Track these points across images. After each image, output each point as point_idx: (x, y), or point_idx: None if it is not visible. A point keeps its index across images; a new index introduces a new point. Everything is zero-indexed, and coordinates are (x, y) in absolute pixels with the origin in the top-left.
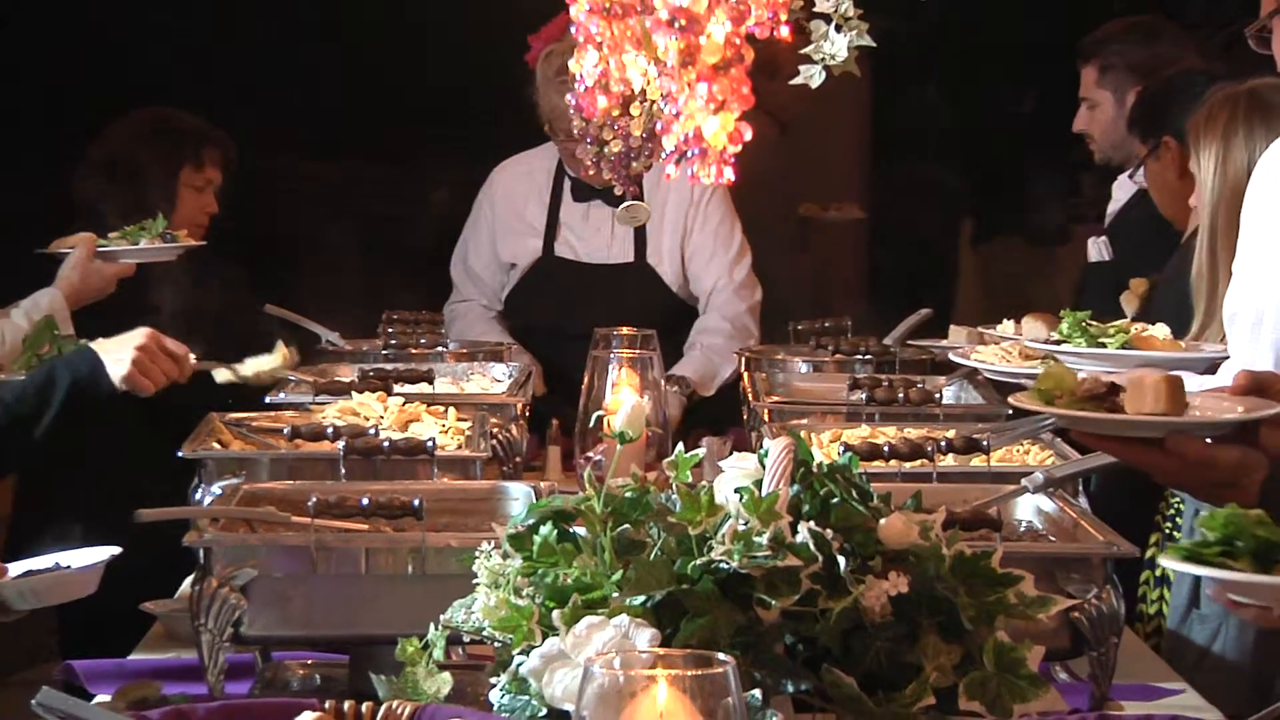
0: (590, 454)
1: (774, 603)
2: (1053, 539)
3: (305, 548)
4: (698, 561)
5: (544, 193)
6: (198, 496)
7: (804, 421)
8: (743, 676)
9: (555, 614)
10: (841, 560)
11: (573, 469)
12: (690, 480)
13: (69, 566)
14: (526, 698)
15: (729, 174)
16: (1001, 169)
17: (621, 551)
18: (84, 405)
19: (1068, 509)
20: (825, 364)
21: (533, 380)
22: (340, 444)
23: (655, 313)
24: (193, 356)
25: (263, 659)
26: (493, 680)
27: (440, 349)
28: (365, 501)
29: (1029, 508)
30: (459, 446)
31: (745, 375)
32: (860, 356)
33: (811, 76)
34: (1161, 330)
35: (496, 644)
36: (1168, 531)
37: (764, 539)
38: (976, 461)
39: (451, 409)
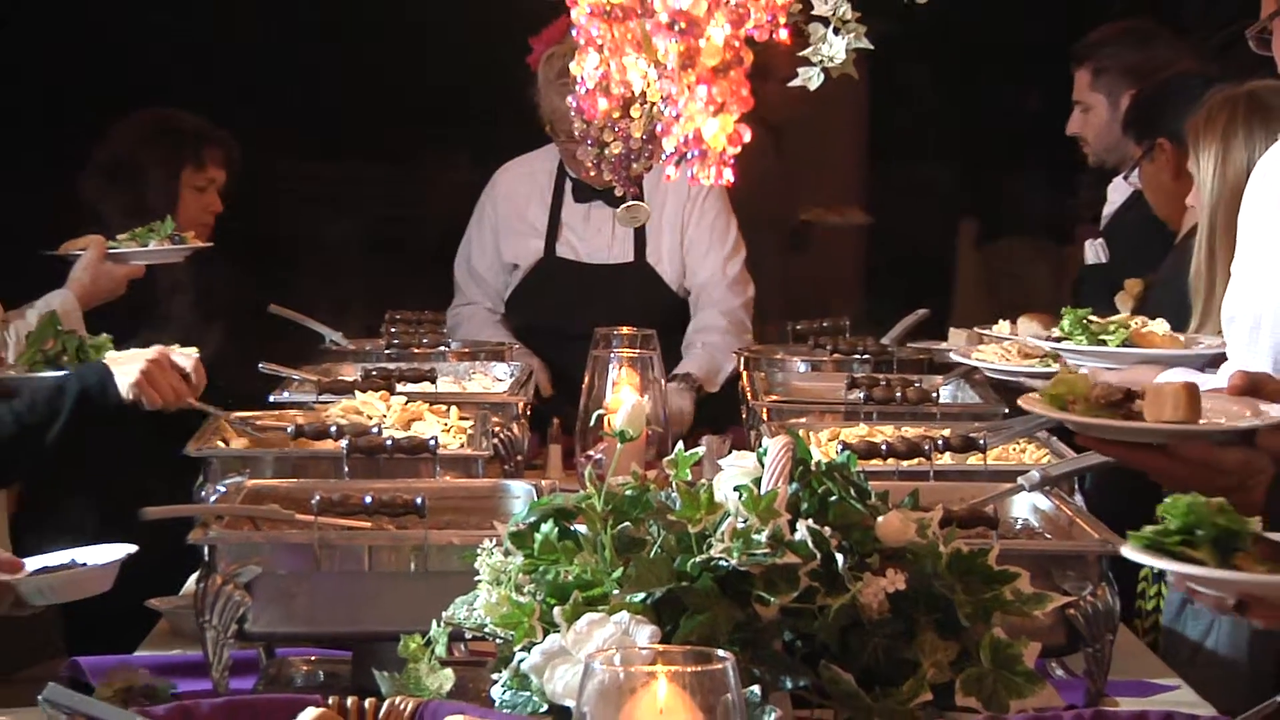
0: (591, 452)
1: (773, 600)
2: (1049, 536)
3: (309, 545)
4: (697, 559)
5: (545, 194)
6: (202, 494)
7: (802, 420)
8: (742, 673)
9: (556, 611)
10: (839, 558)
11: (574, 467)
12: (690, 478)
13: (85, 563)
14: (528, 694)
15: (728, 175)
16: (1000, 170)
17: (622, 549)
18: (92, 415)
19: (1064, 507)
20: (823, 363)
21: (539, 381)
22: (344, 443)
23: (655, 312)
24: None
25: (267, 655)
26: (494, 676)
27: (442, 348)
28: (368, 499)
29: (1025, 505)
30: (461, 445)
31: (744, 374)
32: (858, 356)
33: (810, 78)
34: (1161, 326)
35: (498, 640)
36: None
37: (763, 537)
38: (973, 460)
39: (454, 408)
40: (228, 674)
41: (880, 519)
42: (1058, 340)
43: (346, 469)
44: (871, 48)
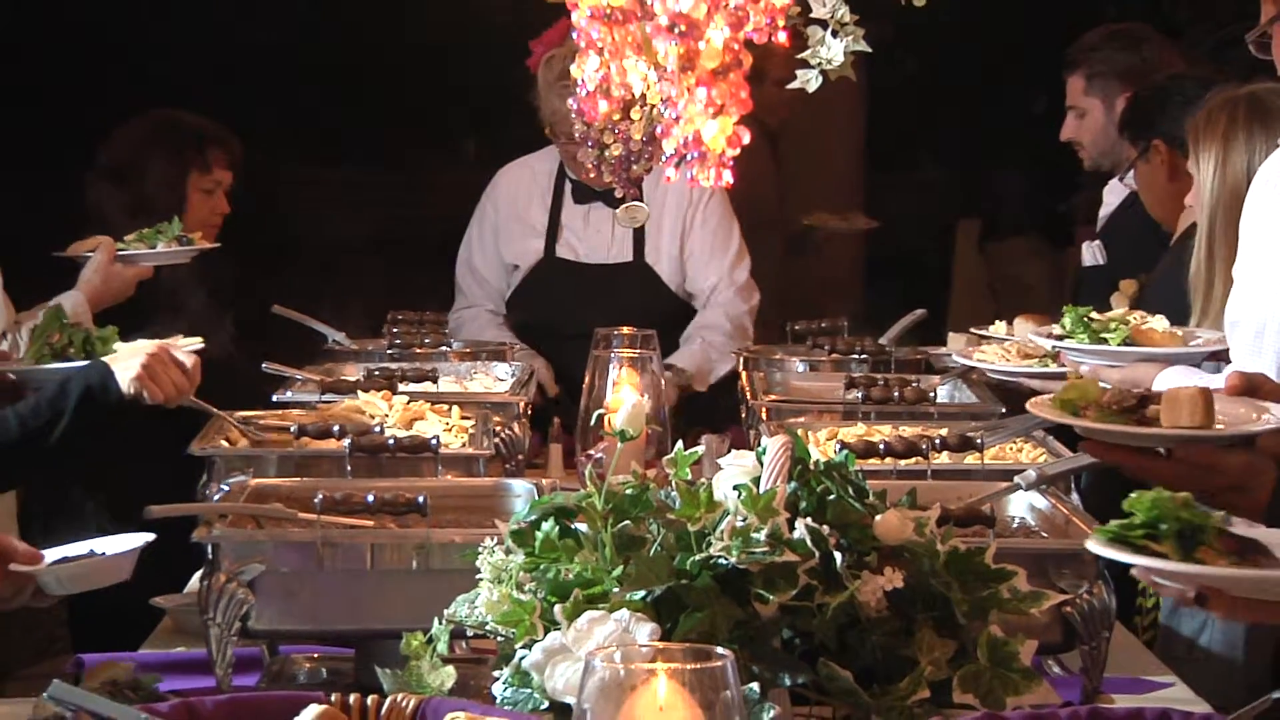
0: (591, 452)
1: (771, 597)
2: (1045, 535)
3: (312, 543)
4: (697, 557)
5: (546, 195)
6: (206, 493)
7: (801, 420)
8: (741, 670)
9: (557, 609)
10: (838, 556)
11: (574, 466)
12: (689, 477)
13: (104, 553)
14: (529, 691)
15: (728, 177)
16: (998, 171)
17: (622, 547)
18: (95, 413)
19: (1060, 505)
20: (822, 363)
21: (545, 382)
22: (346, 442)
23: (654, 312)
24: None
25: (270, 653)
26: (495, 674)
27: (444, 349)
28: (371, 498)
29: (1022, 504)
30: (463, 444)
31: (743, 374)
32: (856, 356)
33: (809, 81)
34: (1160, 322)
35: (499, 638)
36: None
37: (762, 535)
38: (970, 459)
39: (455, 407)
40: (231, 671)
41: (878, 518)
42: (1059, 339)
43: (349, 468)
44: (870, 50)
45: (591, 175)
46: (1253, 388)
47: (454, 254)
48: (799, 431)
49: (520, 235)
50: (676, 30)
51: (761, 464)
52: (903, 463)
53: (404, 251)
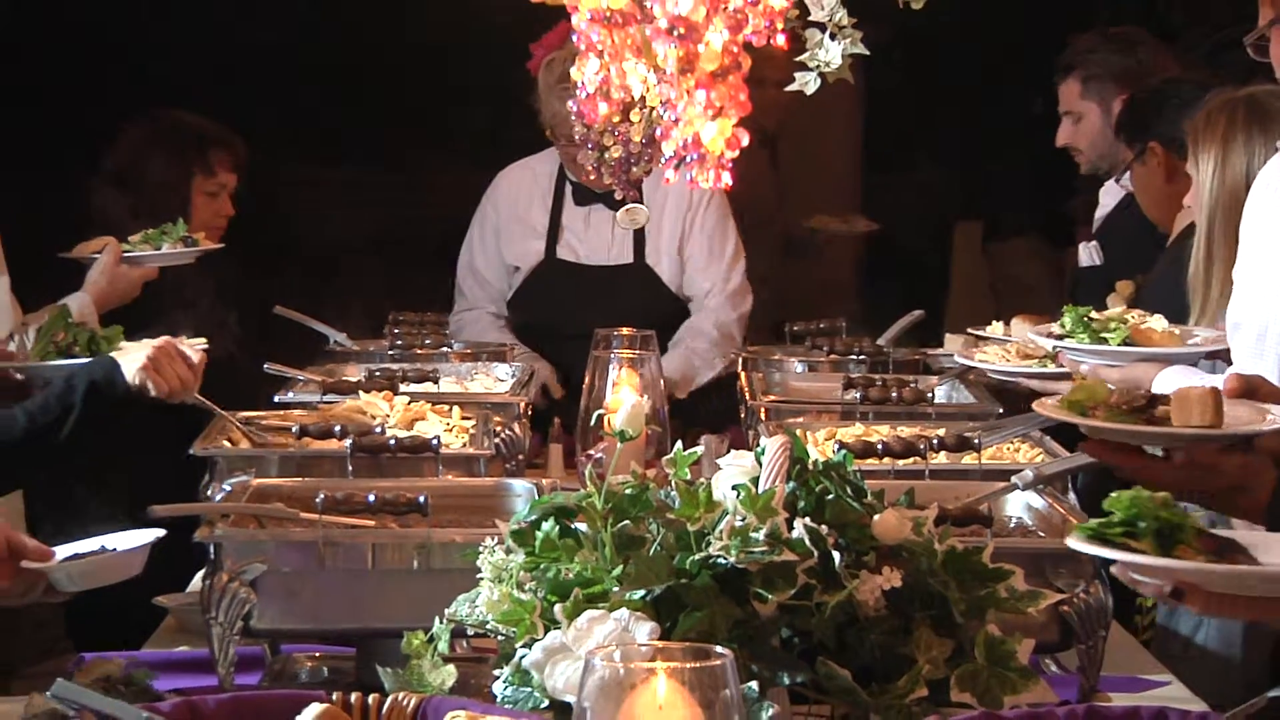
0: (591, 452)
1: (770, 597)
2: (1042, 535)
3: (313, 543)
4: (696, 556)
5: (546, 197)
6: (208, 493)
7: (800, 420)
8: (740, 669)
9: (557, 608)
10: (836, 555)
11: (574, 466)
12: (689, 477)
13: (114, 549)
14: (529, 689)
15: (726, 179)
16: (995, 172)
17: (622, 547)
18: (102, 406)
19: (1057, 505)
20: (820, 364)
21: (549, 384)
22: (347, 442)
23: (654, 314)
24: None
25: (272, 652)
26: (496, 672)
27: (445, 349)
28: (372, 498)
29: (1019, 504)
30: (463, 445)
31: (742, 375)
32: (854, 357)
33: (807, 83)
34: (1159, 322)
35: (500, 637)
36: None
37: (761, 535)
38: (968, 459)
39: (456, 408)
40: (233, 670)
41: (876, 517)
42: (1059, 338)
43: (350, 468)
44: (867, 53)
45: (591, 177)
46: (1251, 390)
47: (454, 254)
48: (797, 431)
49: (521, 237)
50: (676, 33)
51: (760, 464)
52: (901, 463)
53: (404, 252)
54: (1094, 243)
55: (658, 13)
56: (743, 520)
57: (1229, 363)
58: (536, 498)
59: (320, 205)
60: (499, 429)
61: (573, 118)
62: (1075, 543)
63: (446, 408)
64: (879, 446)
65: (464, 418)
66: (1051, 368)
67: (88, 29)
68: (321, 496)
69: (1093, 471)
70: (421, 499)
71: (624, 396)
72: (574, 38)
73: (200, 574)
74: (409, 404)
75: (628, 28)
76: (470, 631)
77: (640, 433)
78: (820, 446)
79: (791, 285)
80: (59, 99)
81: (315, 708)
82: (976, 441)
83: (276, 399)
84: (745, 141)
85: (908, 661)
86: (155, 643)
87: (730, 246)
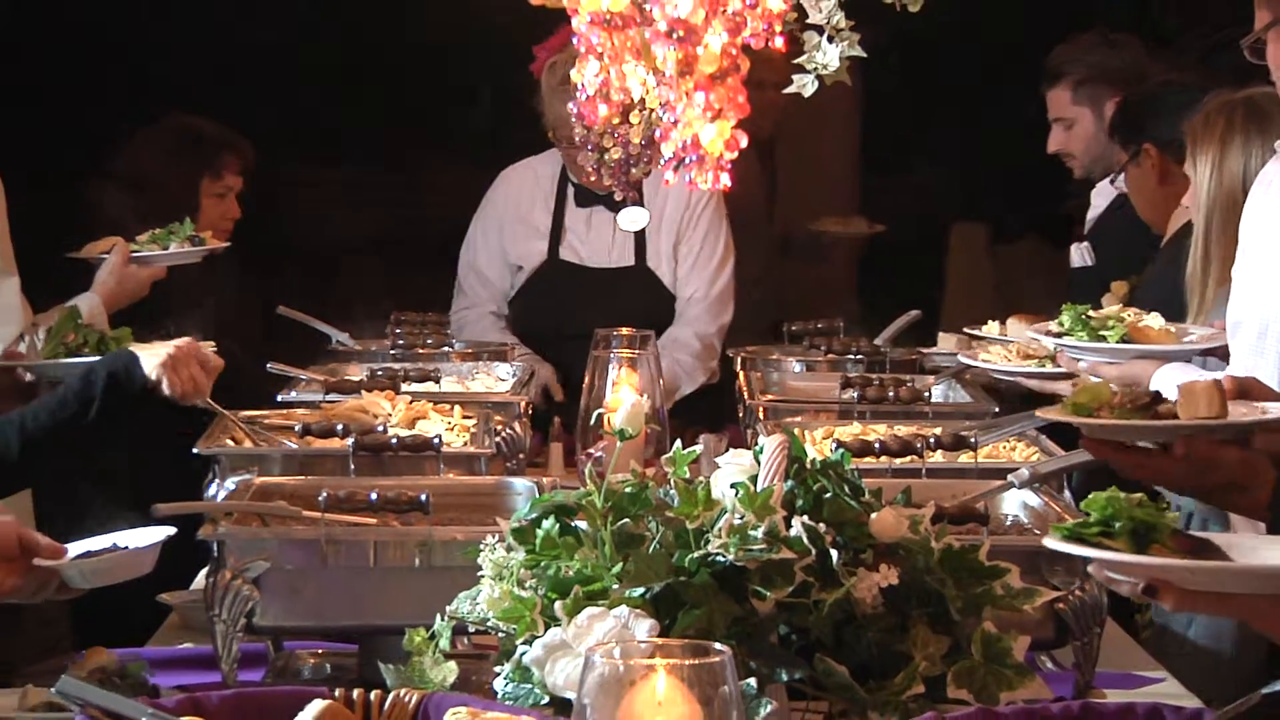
0: (591, 450)
1: (769, 594)
2: (1038, 533)
3: (316, 541)
4: (695, 554)
5: (549, 198)
6: (212, 491)
7: (798, 419)
8: (738, 666)
9: (557, 605)
10: (834, 553)
11: (574, 465)
12: (688, 476)
13: (126, 547)
14: (529, 686)
15: (725, 180)
16: (993, 173)
17: (621, 545)
18: (120, 399)
19: (1053, 503)
20: (818, 364)
21: (551, 387)
22: (350, 441)
23: (654, 315)
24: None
25: (275, 648)
26: (497, 669)
27: (446, 349)
28: (374, 496)
29: (1015, 502)
30: (464, 443)
31: (741, 374)
32: (852, 356)
33: (805, 86)
34: (1156, 320)
35: (500, 634)
36: None
37: (759, 533)
38: (964, 458)
39: (457, 407)
40: (237, 666)
41: (874, 515)
42: (1058, 335)
43: (353, 467)
44: (865, 55)
45: (592, 179)
46: (1244, 391)
47: (454, 254)
48: (795, 431)
49: (525, 236)
50: (675, 35)
51: (759, 463)
52: (898, 461)
53: (404, 252)
54: (1085, 244)
55: (657, 15)
56: (741, 518)
57: (1224, 360)
58: (537, 496)
59: (320, 205)
60: (500, 428)
61: (573, 119)
62: (1052, 542)
63: (448, 407)
64: (876, 445)
65: (465, 417)
66: (1050, 368)
67: (88, 29)
68: (324, 495)
69: (1088, 470)
70: (423, 497)
71: (623, 396)
72: (574, 40)
73: (204, 571)
74: (411, 403)
75: (627, 30)
76: (471, 628)
77: (640, 432)
78: (818, 445)
79: (790, 285)
80: (61, 100)
81: (318, 704)
82: (973, 440)
83: (279, 398)
84: (744, 143)
85: (904, 658)
86: (159, 640)
87: (720, 250)
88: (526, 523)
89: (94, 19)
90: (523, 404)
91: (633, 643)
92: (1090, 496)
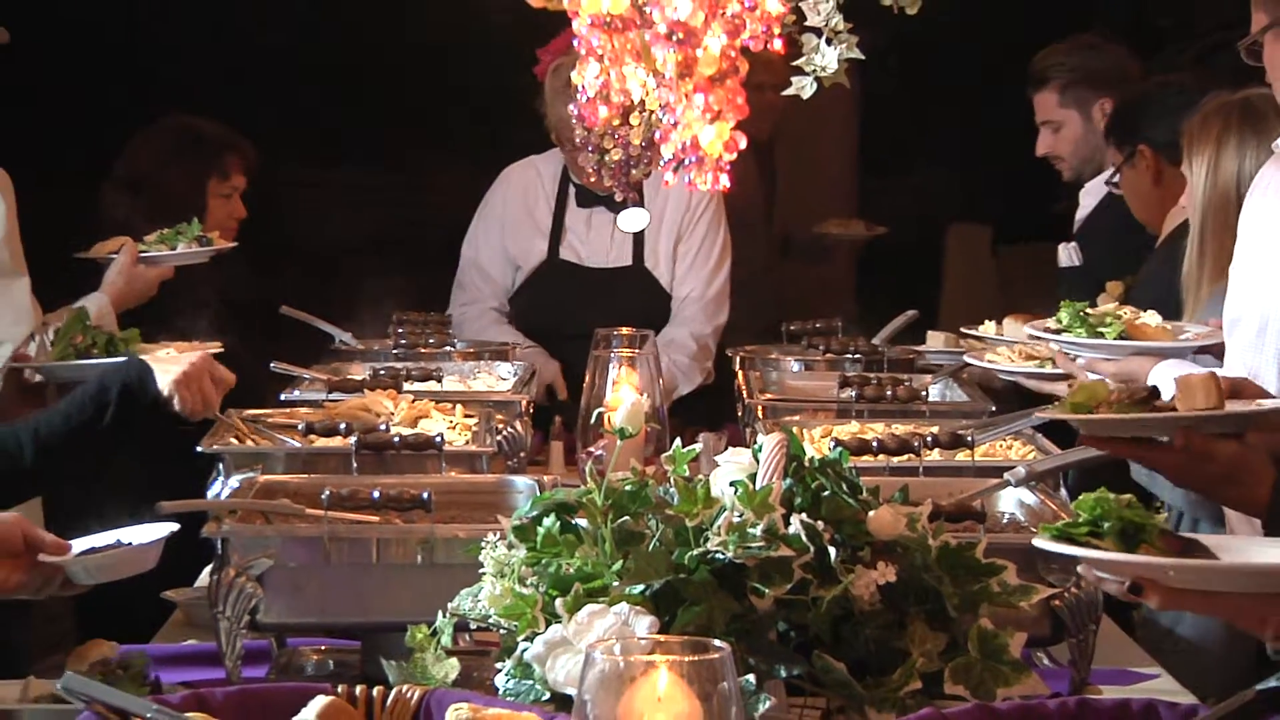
0: (591, 449)
1: (767, 591)
2: (1034, 530)
3: (319, 538)
4: (694, 552)
5: (550, 198)
6: (216, 489)
7: (796, 418)
8: (737, 662)
9: (558, 602)
10: (832, 551)
11: (575, 463)
12: (687, 474)
13: (130, 543)
14: (530, 682)
15: (724, 181)
16: (992, 173)
17: (621, 542)
18: (134, 409)
19: (1049, 501)
20: (816, 363)
21: (556, 385)
22: (352, 439)
23: (652, 315)
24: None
25: (278, 645)
26: (498, 665)
27: (448, 348)
28: (376, 494)
29: (1011, 500)
30: (466, 442)
31: (740, 373)
32: (850, 356)
33: (803, 88)
34: (1153, 317)
35: (502, 631)
36: None
37: (758, 530)
38: (961, 456)
39: (459, 406)
40: (240, 663)
41: (871, 513)
42: (1056, 332)
43: (355, 465)
44: (863, 58)
45: (592, 179)
46: (1236, 391)
47: (455, 254)
48: (794, 429)
49: (527, 234)
50: (675, 38)
51: (758, 461)
52: (895, 459)
53: (404, 252)
54: (1073, 244)
55: (657, 18)
56: (740, 516)
57: (1219, 358)
58: (538, 494)
59: (320, 205)
60: (501, 426)
61: (574, 121)
62: (1041, 542)
63: (450, 406)
64: (874, 444)
65: (467, 415)
66: (1050, 369)
67: (88, 29)
68: (327, 493)
69: (1084, 468)
70: (425, 495)
71: (624, 395)
72: (575, 42)
73: (208, 569)
74: (413, 402)
75: (627, 33)
76: (473, 625)
77: (640, 430)
78: (816, 444)
79: (789, 286)
80: (66, 101)
81: (321, 700)
82: (970, 439)
83: (283, 397)
84: (743, 144)
85: (902, 655)
86: (163, 636)
87: (717, 252)
88: (527, 520)
89: (94, 19)
90: (524, 403)
91: (633, 639)
92: (1081, 498)
